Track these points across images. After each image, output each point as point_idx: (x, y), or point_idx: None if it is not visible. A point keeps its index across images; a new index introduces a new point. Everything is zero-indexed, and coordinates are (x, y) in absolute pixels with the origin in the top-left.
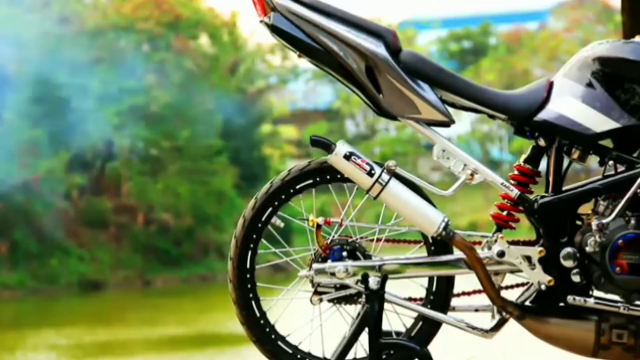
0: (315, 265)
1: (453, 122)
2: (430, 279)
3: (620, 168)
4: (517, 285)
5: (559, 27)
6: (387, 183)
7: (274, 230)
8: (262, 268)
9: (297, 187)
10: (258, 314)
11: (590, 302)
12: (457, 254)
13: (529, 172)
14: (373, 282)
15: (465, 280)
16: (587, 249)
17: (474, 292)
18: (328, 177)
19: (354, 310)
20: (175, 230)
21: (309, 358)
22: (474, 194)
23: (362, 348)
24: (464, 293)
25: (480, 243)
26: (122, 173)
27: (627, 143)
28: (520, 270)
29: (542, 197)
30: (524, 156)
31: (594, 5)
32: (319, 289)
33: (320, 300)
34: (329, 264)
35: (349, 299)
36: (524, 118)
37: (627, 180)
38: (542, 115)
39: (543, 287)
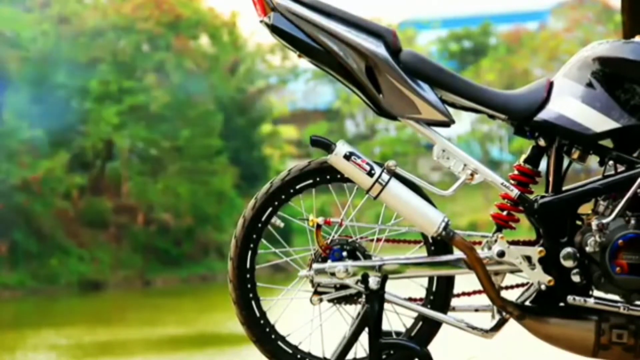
0: (315, 265)
1: (453, 122)
2: (430, 279)
3: (620, 168)
4: (517, 285)
5: (559, 27)
6: (387, 183)
7: (274, 230)
8: (262, 268)
9: (297, 187)
10: (258, 314)
11: (590, 302)
12: (457, 254)
13: (529, 172)
14: (373, 282)
15: (465, 280)
16: (587, 249)
17: (474, 292)
18: (328, 177)
19: (354, 310)
20: (175, 230)
21: (309, 358)
22: (474, 194)
23: (362, 348)
24: (464, 293)
25: (480, 243)
26: (122, 173)
27: (627, 143)
28: (520, 270)
29: (542, 197)
30: (524, 156)
31: (594, 5)
32: (319, 289)
33: (320, 300)
34: (329, 264)
35: (349, 299)
36: (524, 118)
37: (627, 180)
38: (542, 115)
39: (543, 287)
